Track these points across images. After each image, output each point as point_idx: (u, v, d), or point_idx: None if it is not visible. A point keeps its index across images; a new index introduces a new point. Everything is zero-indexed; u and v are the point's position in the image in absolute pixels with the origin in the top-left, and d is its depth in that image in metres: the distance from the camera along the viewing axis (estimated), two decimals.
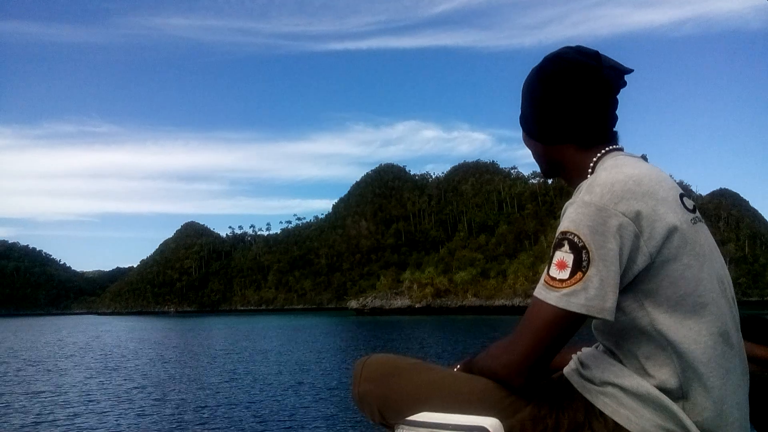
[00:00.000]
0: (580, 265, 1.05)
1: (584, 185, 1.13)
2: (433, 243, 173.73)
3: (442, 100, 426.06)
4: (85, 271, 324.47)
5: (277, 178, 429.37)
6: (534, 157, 1.35)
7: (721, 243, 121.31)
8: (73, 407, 14.62)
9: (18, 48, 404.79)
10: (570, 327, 1.07)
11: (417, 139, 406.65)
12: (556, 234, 1.11)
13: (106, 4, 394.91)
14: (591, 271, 1.04)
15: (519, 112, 1.34)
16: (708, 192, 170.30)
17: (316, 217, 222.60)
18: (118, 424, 12.49)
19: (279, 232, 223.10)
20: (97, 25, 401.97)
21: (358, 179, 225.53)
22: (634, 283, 1.10)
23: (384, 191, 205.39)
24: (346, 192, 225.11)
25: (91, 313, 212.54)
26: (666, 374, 1.10)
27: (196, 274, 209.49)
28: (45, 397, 16.26)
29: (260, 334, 47.93)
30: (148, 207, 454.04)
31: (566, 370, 1.25)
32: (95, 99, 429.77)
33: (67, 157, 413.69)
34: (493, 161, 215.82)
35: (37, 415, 13.79)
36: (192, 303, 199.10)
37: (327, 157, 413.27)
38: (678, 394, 1.10)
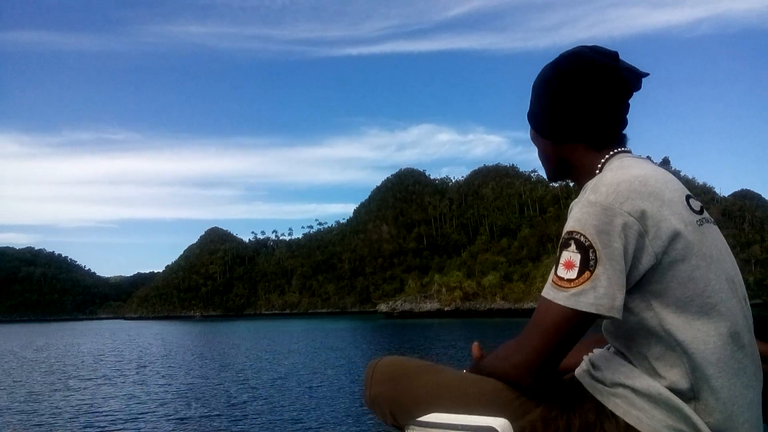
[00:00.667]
0: (587, 265, 1.06)
1: (590, 185, 1.14)
2: (455, 247, 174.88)
3: (457, 103, 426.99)
4: (107, 276, 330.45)
5: (293, 183, 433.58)
6: (540, 157, 1.35)
7: (747, 245, 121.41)
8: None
9: (38, 57, 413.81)
10: (579, 327, 1.08)
11: (432, 143, 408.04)
12: (563, 233, 1.12)
13: (124, 13, 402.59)
14: (599, 270, 1.05)
15: (529, 110, 1.34)
16: (730, 193, 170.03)
17: (338, 222, 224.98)
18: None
19: (301, 237, 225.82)
20: (116, 33, 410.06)
21: (378, 184, 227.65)
22: (642, 283, 1.11)
23: (405, 195, 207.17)
24: (366, 197, 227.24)
25: (118, 318, 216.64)
26: (676, 375, 1.10)
27: (220, 279, 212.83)
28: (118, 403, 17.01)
29: (301, 338, 49.29)
30: (165, 213, 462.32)
31: (577, 371, 1.26)
32: (114, 107, 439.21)
33: (86, 165, 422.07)
34: (512, 164, 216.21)
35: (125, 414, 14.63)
36: (217, 307, 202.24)
37: (342, 162, 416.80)
38: (689, 395, 1.10)
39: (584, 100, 1.20)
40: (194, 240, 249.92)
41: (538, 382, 1.13)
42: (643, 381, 1.12)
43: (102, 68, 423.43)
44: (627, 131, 1.24)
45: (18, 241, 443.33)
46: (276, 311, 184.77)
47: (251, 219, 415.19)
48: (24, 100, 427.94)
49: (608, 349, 1.24)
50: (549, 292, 1.09)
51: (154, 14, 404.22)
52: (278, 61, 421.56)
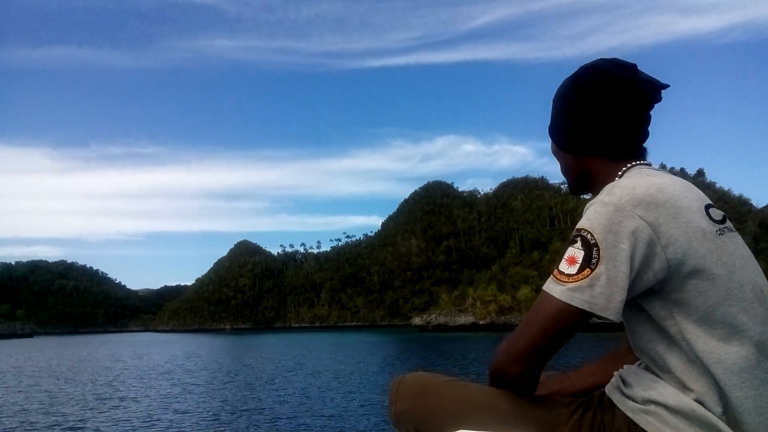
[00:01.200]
0: (589, 262, 1.06)
1: (606, 187, 1.15)
2: (484, 260, 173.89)
3: (482, 114, 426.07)
4: (136, 289, 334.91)
5: (317, 195, 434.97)
6: (562, 170, 1.36)
7: None
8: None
9: (69, 73, 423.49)
10: (572, 323, 1.07)
11: (457, 154, 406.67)
12: (573, 231, 1.12)
13: (153, 29, 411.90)
14: (599, 269, 1.05)
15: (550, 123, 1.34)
16: (767, 204, 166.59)
17: (366, 235, 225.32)
18: None
19: (329, 249, 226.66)
20: (145, 49, 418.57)
21: (406, 196, 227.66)
22: (662, 292, 1.11)
23: (433, 208, 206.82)
24: (391, 208, 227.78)
25: (149, 331, 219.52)
26: (703, 388, 1.09)
27: (250, 291, 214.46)
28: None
29: (340, 351, 49.25)
30: (192, 226, 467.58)
31: (608, 387, 1.24)
32: (142, 121, 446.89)
33: (114, 178, 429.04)
34: (542, 176, 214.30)
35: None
36: (247, 320, 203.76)
37: (366, 174, 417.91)
38: (718, 409, 1.09)
39: (603, 112, 1.20)
40: (219, 252, 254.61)
41: (525, 372, 1.13)
42: (675, 398, 1.10)
43: (131, 83, 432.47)
44: (650, 143, 1.23)
45: (48, 254, 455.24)
46: (305, 324, 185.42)
47: (277, 231, 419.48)
48: (55, 115, 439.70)
49: (639, 364, 1.24)
50: (548, 284, 1.11)
51: (182, 30, 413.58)
52: (303, 74, 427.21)
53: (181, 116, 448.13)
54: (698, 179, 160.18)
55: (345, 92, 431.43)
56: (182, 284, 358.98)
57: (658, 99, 1.22)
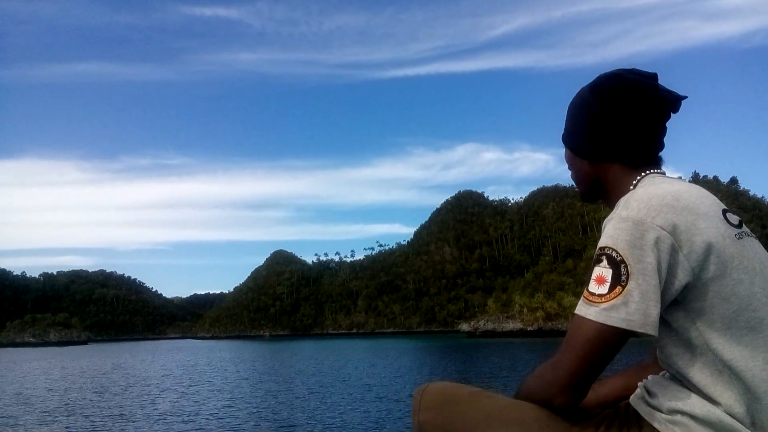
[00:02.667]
0: (619, 279, 1.04)
1: (622, 201, 1.14)
2: (518, 267, 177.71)
3: (503, 122, 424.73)
4: (171, 297, 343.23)
5: (340, 203, 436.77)
6: (575, 177, 1.36)
7: None
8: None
9: (98, 87, 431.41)
10: (612, 343, 1.05)
11: (478, 162, 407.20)
12: (596, 251, 1.11)
13: (179, 44, 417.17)
14: (630, 285, 1.03)
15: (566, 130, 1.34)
16: None
17: (398, 243, 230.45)
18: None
19: (362, 258, 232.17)
20: (171, 63, 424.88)
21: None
22: (684, 301, 1.09)
23: (465, 217, 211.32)
24: (416, 217, 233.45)
25: (188, 338, 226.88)
26: (731, 398, 1.07)
27: (288, 299, 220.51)
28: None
29: (394, 356, 51.17)
30: (218, 235, 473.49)
31: (632, 398, 1.22)
32: (169, 133, 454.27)
33: (143, 189, 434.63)
34: (572, 185, 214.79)
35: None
36: (285, 327, 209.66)
37: (388, 182, 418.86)
38: (746, 419, 1.06)
39: (623, 119, 1.20)
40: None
41: (571, 402, 1.10)
42: (702, 407, 1.08)
43: (159, 96, 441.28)
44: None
45: (78, 263, 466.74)
46: (343, 331, 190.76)
47: (301, 240, 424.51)
48: (85, 128, 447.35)
49: (663, 375, 1.22)
50: (580, 308, 1.08)
51: (208, 44, 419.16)
52: (326, 85, 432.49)
53: (207, 128, 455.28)
54: (731, 187, 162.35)
55: (367, 102, 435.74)
56: (211, 292, 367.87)
57: (676, 109, 1.23)
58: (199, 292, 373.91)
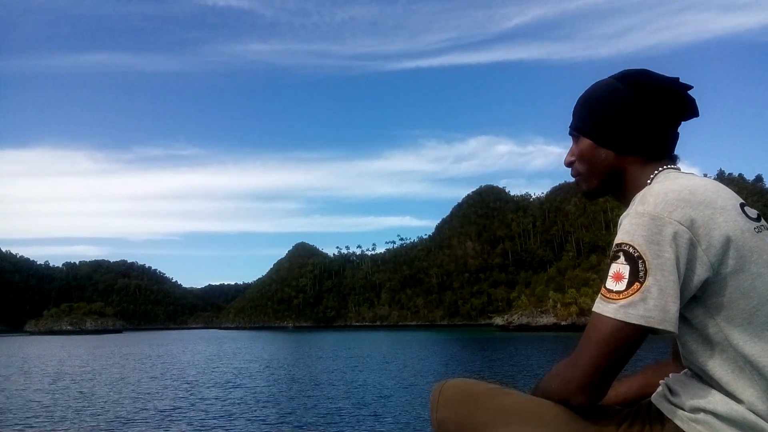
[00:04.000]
0: (636, 276, 1.03)
1: (638, 197, 1.13)
2: (540, 262, 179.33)
3: (516, 114, 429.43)
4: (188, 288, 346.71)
5: (351, 196, 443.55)
6: (588, 170, 1.31)
7: None
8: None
9: (111, 78, 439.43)
10: (631, 341, 1.04)
11: (490, 154, 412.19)
12: (612, 247, 1.10)
13: (190, 34, 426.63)
14: (649, 281, 1.02)
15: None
16: None
17: (420, 237, 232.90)
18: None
19: (384, 251, 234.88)
20: (184, 53, 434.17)
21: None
22: (703, 297, 1.08)
23: (486, 212, 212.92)
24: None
25: (211, 328, 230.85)
26: (753, 395, 1.06)
27: (311, 291, 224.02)
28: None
29: (429, 349, 50.91)
30: (228, 226, 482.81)
31: (654, 396, 1.22)
32: (181, 123, 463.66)
33: (155, 180, 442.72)
34: None
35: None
36: (308, 318, 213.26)
37: (400, 175, 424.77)
38: None
39: (653, 111, 1.21)
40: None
41: (590, 400, 1.09)
42: (725, 405, 1.07)
43: (171, 87, 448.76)
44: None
45: (90, 253, 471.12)
46: (366, 323, 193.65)
47: (312, 232, 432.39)
48: (98, 118, 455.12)
49: (685, 372, 1.21)
50: (598, 305, 1.07)
51: (220, 34, 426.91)
52: (337, 76, 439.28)
53: (218, 119, 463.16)
54: (757, 185, 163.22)
55: (379, 94, 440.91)
56: (226, 283, 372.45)
57: (696, 114, 1.25)
58: (213, 283, 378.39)
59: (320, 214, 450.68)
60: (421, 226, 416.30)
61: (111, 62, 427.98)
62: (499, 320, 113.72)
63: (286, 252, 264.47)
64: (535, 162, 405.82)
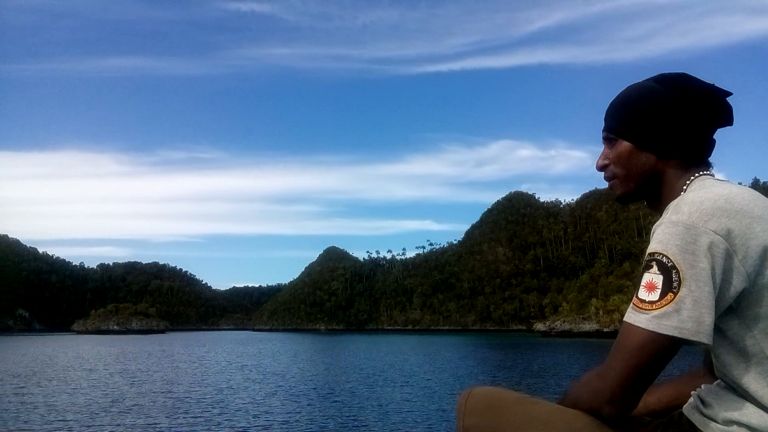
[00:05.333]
0: (670, 286, 1.01)
1: (671, 205, 1.11)
2: (572, 269, 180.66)
3: (538, 118, 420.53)
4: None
5: (371, 199, 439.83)
6: (625, 174, 1.27)
7: None
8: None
9: (135, 81, 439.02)
10: (663, 352, 1.02)
11: (512, 158, 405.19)
12: (645, 256, 1.08)
13: (213, 38, 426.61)
14: (683, 292, 1.00)
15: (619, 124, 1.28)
16: None
17: (450, 243, 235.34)
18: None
19: (414, 256, 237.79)
20: (207, 58, 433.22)
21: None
22: (739, 307, 1.06)
23: (517, 218, 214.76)
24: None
25: (246, 329, 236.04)
26: None
27: (342, 295, 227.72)
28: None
29: (479, 353, 52.25)
30: (249, 228, 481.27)
31: (686, 408, 1.19)
32: (204, 127, 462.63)
33: (178, 182, 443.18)
34: None
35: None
36: (340, 322, 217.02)
37: (420, 178, 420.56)
38: None
39: (694, 115, 1.19)
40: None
41: (620, 411, 1.06)
42: (759, 417, 1.05)
43: (194, 91, 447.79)
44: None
45: (114, 254, 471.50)
46: (398, 327, 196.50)
47: (333, 235, 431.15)
48: (123, 122, 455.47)
49: (718, 384, 1.17)
50: (630, 315, 1.05)
51: (242, 38, 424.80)
52: (359, 80, 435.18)
53: (240, 122, 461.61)
54: None
55: (399, 98, 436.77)
56: (250, 285, 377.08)
57: (731, 122, 1.23)
58: (237, 285, 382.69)
59: (340, 217, 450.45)
60: (442, 230, 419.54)
61: (136, 66, 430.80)
62: (541, 326, 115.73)
63: (317, 255, 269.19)
64: (558, 166, 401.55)
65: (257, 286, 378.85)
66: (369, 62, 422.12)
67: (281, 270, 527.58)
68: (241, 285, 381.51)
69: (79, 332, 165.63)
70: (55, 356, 48.05)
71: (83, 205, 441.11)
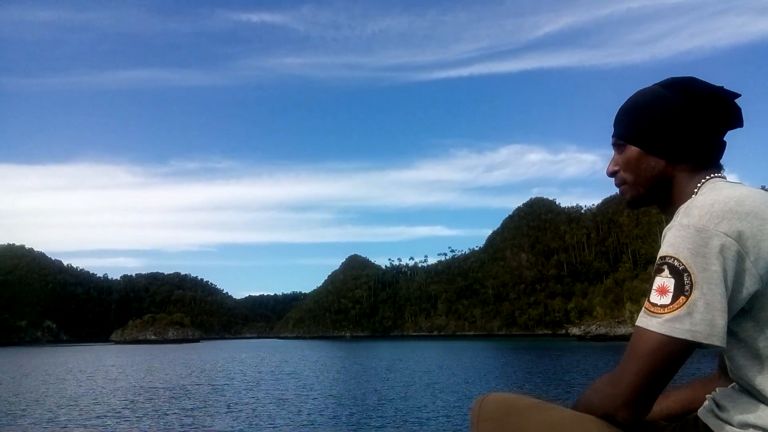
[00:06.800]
0: (682, 290, 1.01)
1: (682, 209, 1.11)
2: (596, 274, 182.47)
3: (548, 122, 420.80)
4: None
5: (382, 206, 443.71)
6: (635, 179, 1.28)
7: None
8: None
9: (149, 93, 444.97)
10: (676, 356, 1.02)
11: (522, 163, 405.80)
12: (656, 260, 1.08)
13: (225, 50, 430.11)
14: (695, 295, 1.00)
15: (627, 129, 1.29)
16: None
17: (471, 249, 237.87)
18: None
19: (436, 262, 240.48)
20: (218, 68, 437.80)
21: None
22: (753, 310, 1.06)
23: (538, 224, 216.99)
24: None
25: (271, 337, 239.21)
26: None
27: (366, 302, 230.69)
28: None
29: (521, 358, 53.72)
30: (262, 237, 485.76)
31: (701, 411, 1.19)
32: (217, 137, 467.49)
33: (191, 192, 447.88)
34: None
35: None
36: (365, 328, 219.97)
37: (430, 184, 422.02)
38: None
39: (702, 118, 1.19)
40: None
41: (634, 416, 1.07)
42: None
43: (206, 101, 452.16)
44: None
45: (129, 264, 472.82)
46: (423, 333, 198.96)
47: (345, 242, 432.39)
48: (137, 133, 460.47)
49: (733, 387, 1.17)
50: (642, 319, 1.06)
51: (253, 49, 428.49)
52: (368, 88, 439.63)
53: (251, 131, 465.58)
54: None
55: (409, 104, 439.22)
56: (265, 294, 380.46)
57: (741, 124, 1.24)
58: (253, 294, 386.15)
59: (352, 224, 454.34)
60: (452, 235, 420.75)
61: (148, 78, 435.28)
62: (576, 330, 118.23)
63: (339, 263, 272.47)
64: (568, 170, 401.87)
65: (272, 294, 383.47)
66: (378, 70, 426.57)
67: (295, 278, 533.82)
68: (257, 294, 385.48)
69: (117, 342, 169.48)
70: (167, 367, 50.90)
71: (98, 216, 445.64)
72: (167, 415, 19.03)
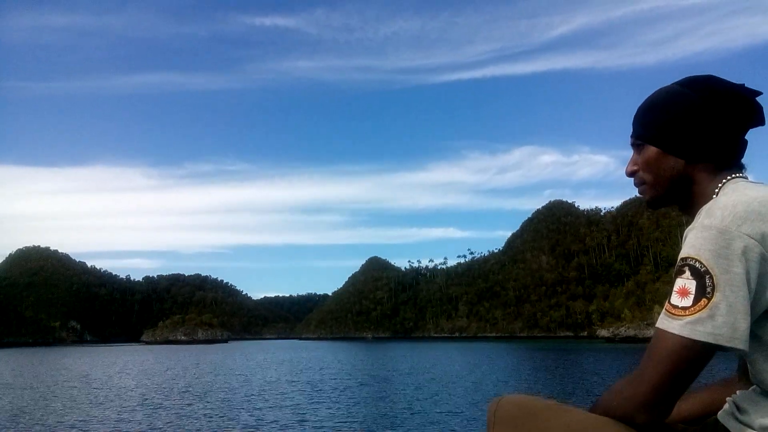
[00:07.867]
0: (704, 292, 0.99)
1: (704, 209, 1.09)
2: (617, 276, 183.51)
3: (561, 124, 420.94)
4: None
5: (394, 208, 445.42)
6: (654, 179, 1.25)
7: None
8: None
9: (163, 96, 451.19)
10: (697, 359, 1.00)
11: (535, 165, 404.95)
12: (677, 261, 1.07)
13: (239, 53, 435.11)
14: (717, 297, 0.98)
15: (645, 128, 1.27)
16: None
17: (491, 251, 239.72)
18: None
19: (455, 264, 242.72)
20: (233, 72, 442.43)
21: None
22: None
23: (558, 227, 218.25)
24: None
25: (292, 338, 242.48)
26: None
27: (387, 303, 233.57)
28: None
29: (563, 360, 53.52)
30: (276, 238, 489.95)
31: (721, 414, 1.17)
32: (231, 139, 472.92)
33: (205, 195, 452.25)
34: None
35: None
36: (386, 330, 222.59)
37: (443, 186, 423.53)
38: None
39: (722, 118, 1.17)
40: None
41: (653, 419, 1.05)
42: None
43: (220, 104, 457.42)
44: None
45: (144, 265, 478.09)
46: (445, 334, 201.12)
47: (358, 244, 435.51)
48: (152, 136, 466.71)
49: (754, 390, 1.15)
50: (662, 321, 1.04)
51: (267, 52, 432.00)
52: (381, 90, 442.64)
53: (266, 134, 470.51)
54: None
55: (422, 107, 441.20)
56: (281, 295, 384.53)
57: (763, 122, 1.22)
58: (268, 295, 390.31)
59: (365, 226, 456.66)
60: (465, 237, 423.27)
61: (164, 82, 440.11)
62: (604, 332, 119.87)
63: (360, 266, 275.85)
64: (582, 171, 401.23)
65: (287, 296, 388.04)
66: (391, 72, 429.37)
67: (310, 279, 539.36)
68: (272, 295, 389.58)
69: (148, 342, 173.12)
70: (217, 368, 53.21)
71: (114, 218, 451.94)
72: (280, 408, 20.71)
